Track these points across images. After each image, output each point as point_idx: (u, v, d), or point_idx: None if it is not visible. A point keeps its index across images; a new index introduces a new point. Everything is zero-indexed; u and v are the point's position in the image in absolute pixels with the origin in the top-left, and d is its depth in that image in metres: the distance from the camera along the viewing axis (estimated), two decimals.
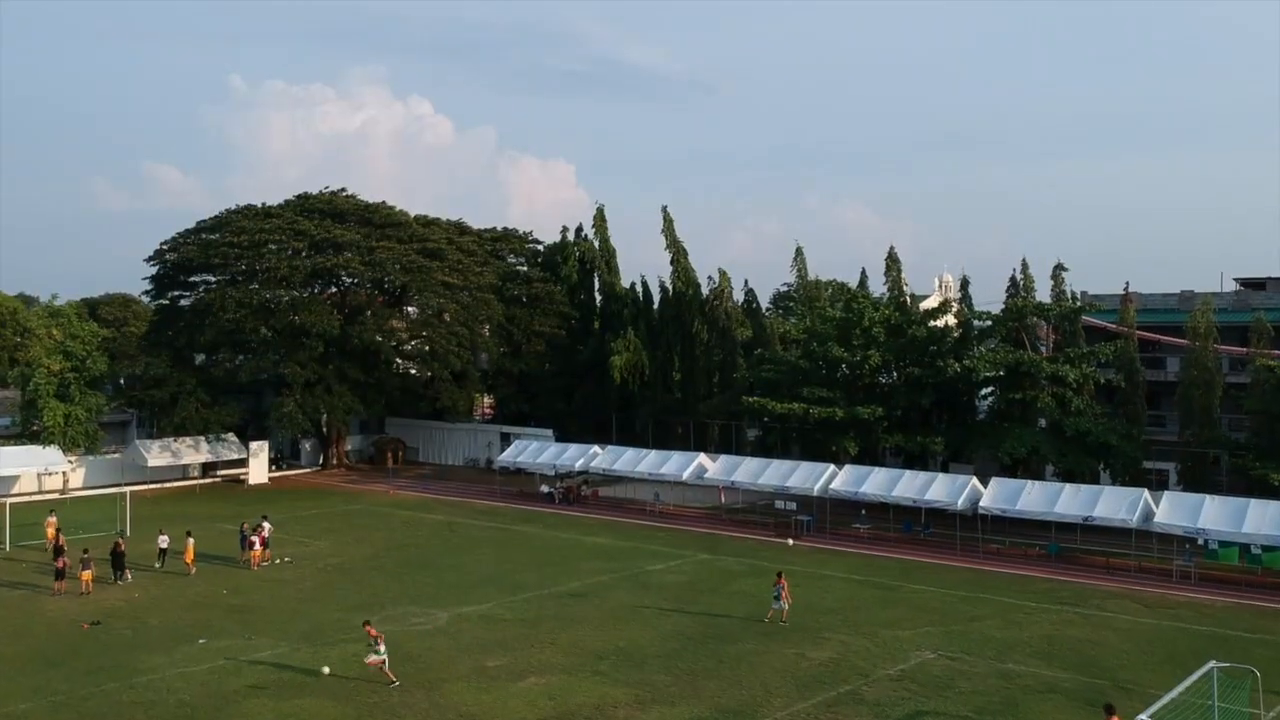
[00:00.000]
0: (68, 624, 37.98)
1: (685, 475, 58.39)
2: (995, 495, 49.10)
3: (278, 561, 47.95)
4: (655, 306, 78.60)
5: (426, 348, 73.87)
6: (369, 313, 71.50)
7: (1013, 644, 35.63)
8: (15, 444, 65.91)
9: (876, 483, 52.26)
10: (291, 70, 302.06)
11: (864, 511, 53.79)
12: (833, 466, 54.62)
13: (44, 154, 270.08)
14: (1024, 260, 61.85)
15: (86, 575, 42.48)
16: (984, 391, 62.02)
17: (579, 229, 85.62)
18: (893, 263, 66.94)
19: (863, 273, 71.95)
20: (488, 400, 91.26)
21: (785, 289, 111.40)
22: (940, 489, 50.54)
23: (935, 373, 57.52)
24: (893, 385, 60.34)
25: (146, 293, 78.20)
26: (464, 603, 40.77)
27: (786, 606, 37.92)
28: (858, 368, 59.07)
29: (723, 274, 72.97)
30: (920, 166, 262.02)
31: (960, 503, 49.59)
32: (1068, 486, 48.75)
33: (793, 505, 54.39)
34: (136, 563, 45.98)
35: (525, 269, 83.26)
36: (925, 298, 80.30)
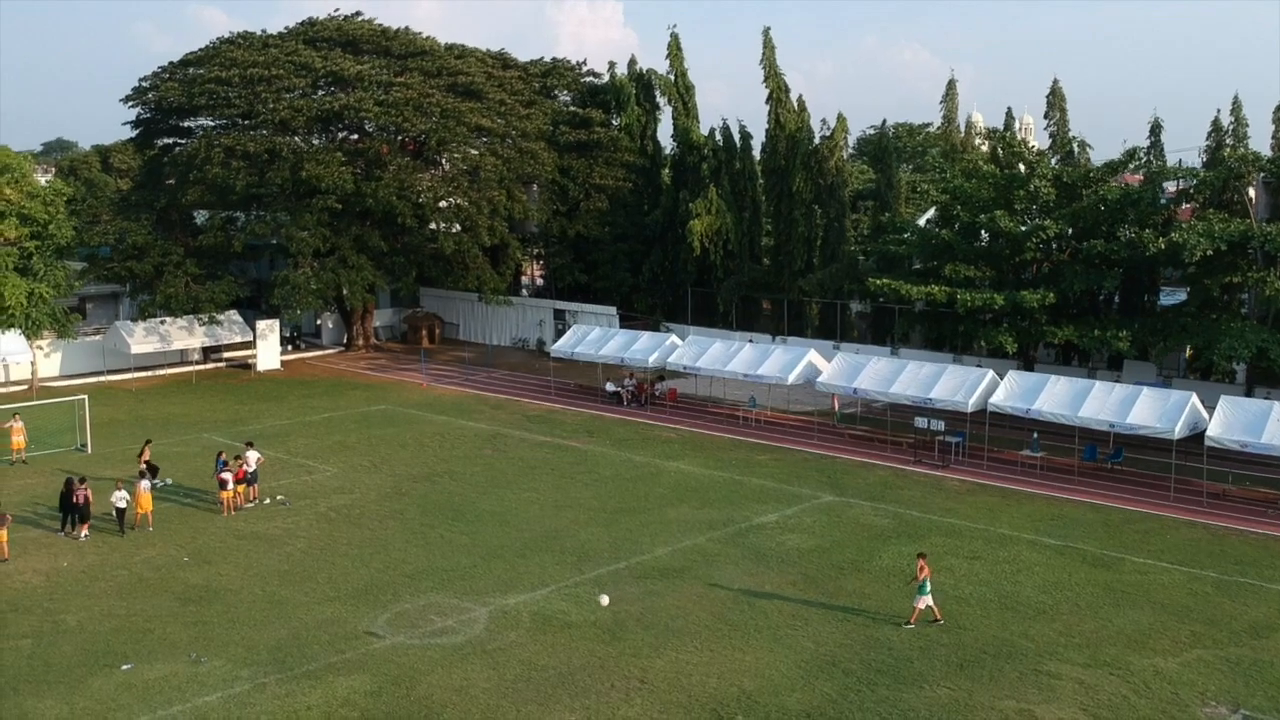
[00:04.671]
0: None
1: (791, 379, 45.69)
2: (1228, 422, 35.97)
3: (266, 502, 36.30)
4: (737, 158, 64.30)
5: (464, 204, 60.56)
6: (390, 166, 58.18)
7: None
8: None
9: (1056, 398, 39.20)
10: None
11: (1037, 435, 40.95)
12: (991, 373, 41.62)
13: None
14: (1236, 99, 47.22)
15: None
16: (1169, 273, 48.40)
17: (632, 61, 70.69)
18: (1056, 99, 52.33)
19: (1009, 113, 56.48)
20: (537, 267, 78.29)
21: (870, 133, 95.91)
22: (1148, 410, 37.45)
23: (1124, 248, 43.80)
24: (1060, 264, 46.64)
25: (131, 140, 65.48)
26: (511, 585, 28.89)
27: (929, 601, 26.24)
28: (1022, 241, 45.36)
29: (840, 119, 58.33)
30: (984, 5, 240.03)
31: (1178, 429, 36.61)
32: None
33: (938, 423, 41.59)
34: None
35: (582, 110, 68.78)
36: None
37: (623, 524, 33.97)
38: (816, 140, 58.45)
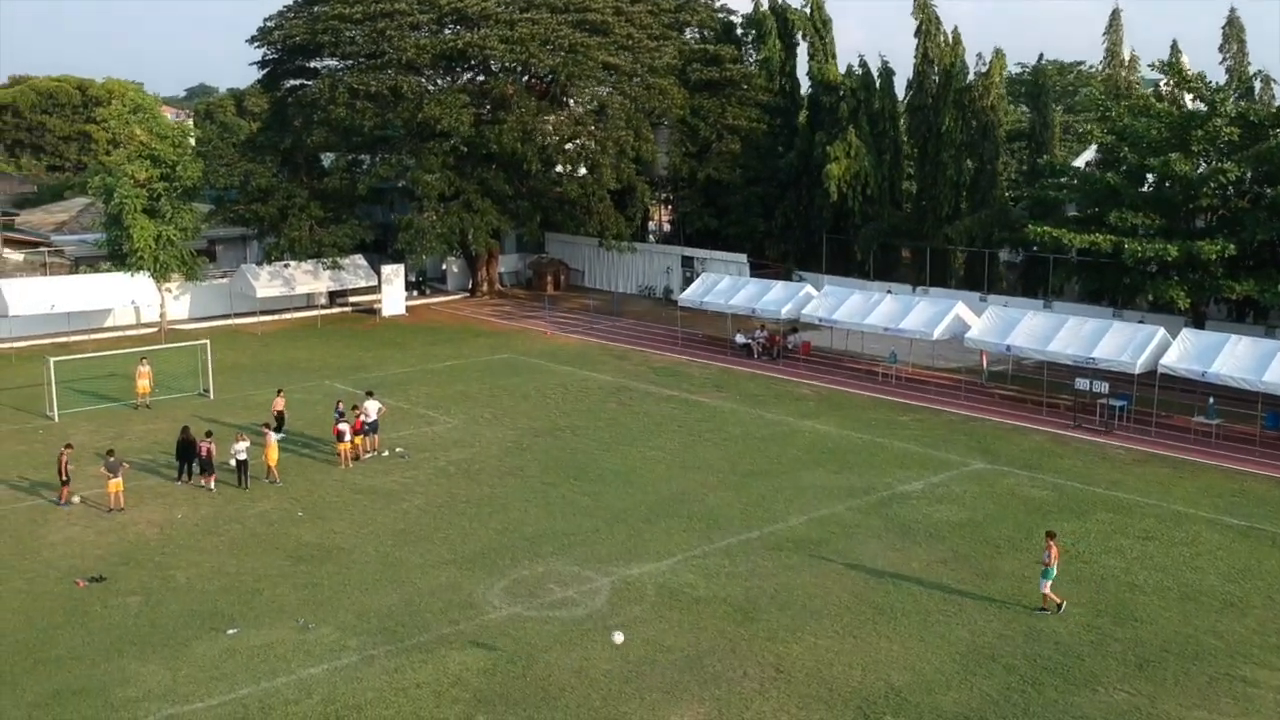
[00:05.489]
0: (60, 576, 25.89)
1: (937, 334, 42.61)
2: None
3: (385, 454, 35.07)
4: (877, 96, 60.42)
5: (589, 145, 58.11)
6: (515, 107, 56.17)
7: None
8: (106, 268, 54.73)
9: (1237, 360, 35.40)
10: None
11: (1213, 400, 37.16)
12: (1162, 332, 37.95)
13: None
14: None
15: (114, 485, 30.25)
16: None
17: None
18: (1234, 30, 47.51)
19: (1174, 46, 51.01)
20: (665, 212, 75.77)
21: (1017, 71, 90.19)
22: None
23: None
24: (1240, 211, 42.28)
25: (258, 82, 64.96)
26: (635, 553, 26.98)
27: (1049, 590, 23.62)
28: (1198, 186, 41.22)
29: (998, 55, 54.05)
30: None
31: None
32: None
33: (1101, 384, 38.05)
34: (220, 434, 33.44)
35: (714, 47, 65.62)
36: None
37: (754, 488, 31.73)
38: (970, 77, 54.37)
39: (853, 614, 23.59)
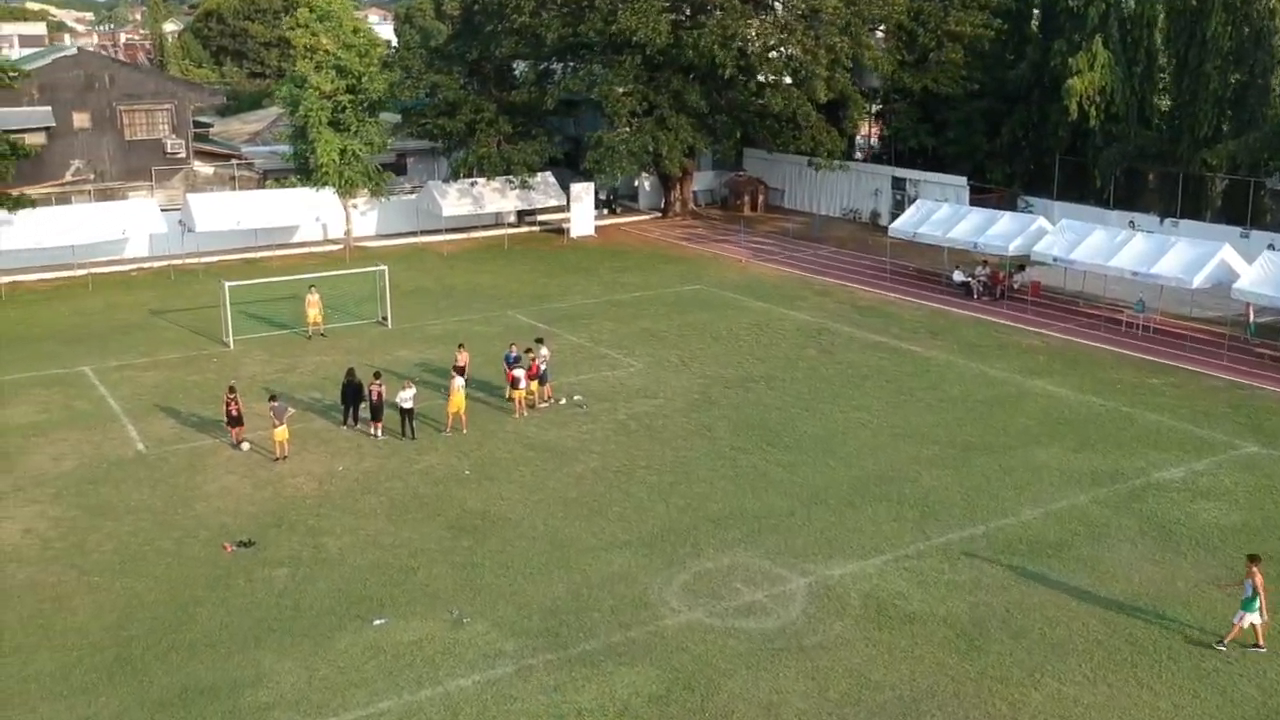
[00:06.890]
0: (209, 537, 24.00)
1: (1197, 282, 36.56)
2: None
3: (561, 402, 32.14)
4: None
5: (797, 54, 52.72)
6: (717, 11, 51.40)
7: None
8: (293, 182, 53.49)
9: None
10: None
11: None
12: None
13: None
14: None
15: (280, 434, 28.15)
16: None
17: None
18: None
19: None
20: (875, 127, 69.76)
21: None
22: None
23: None
24: None
25: None
26: (836, 547, 23.21)
27: (1263, 621, 19.06)
28: None
29: None
30: None
31: None
32: None
33: None
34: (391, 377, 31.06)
35: None
36: None
37: (976, 466, 27.33)
38: None
39: (1105, 650, 19.31)
